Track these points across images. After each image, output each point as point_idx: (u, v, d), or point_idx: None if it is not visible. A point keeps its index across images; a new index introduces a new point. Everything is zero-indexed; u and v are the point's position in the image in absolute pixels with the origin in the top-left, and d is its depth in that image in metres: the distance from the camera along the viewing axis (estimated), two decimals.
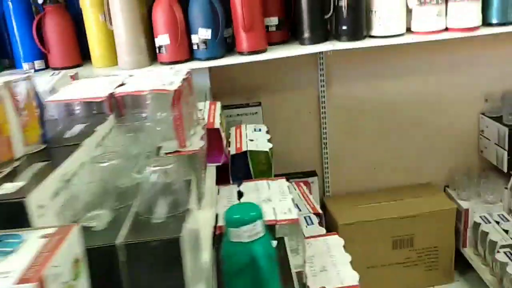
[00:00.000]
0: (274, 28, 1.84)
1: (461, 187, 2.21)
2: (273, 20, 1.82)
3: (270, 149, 1.52)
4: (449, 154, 2.31)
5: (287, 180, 1.39)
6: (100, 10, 1.70)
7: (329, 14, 1.74)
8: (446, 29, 1.73)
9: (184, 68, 1.35)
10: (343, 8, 1.71)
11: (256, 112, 2.15)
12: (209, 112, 1.52)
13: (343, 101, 2.23)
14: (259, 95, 2.22)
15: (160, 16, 1.66)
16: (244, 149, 1.50)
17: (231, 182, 1.39)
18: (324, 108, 2.22)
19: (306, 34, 1.77)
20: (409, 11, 1.74)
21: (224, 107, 2.18)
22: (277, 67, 2.09)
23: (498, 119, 2.12)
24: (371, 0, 1.73)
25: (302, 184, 1.76)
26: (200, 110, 1.55)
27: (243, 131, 1.68)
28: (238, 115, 2.15)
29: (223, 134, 1.41)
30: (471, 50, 2.13)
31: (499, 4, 1.70)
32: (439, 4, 1.68)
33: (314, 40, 1.77)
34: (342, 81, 2.21)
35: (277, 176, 2.17)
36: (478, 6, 1.69)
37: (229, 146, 1.54)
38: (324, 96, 2.20)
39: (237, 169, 1.42)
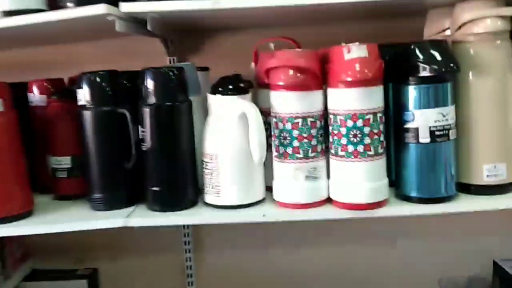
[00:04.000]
0: (65, 174, 1.13)
1: None
2: (63, 161, 1.12)
3: None
4: None
5: None
6: None
7: (131, 163, 1.01)
8: (329, 199, 0.97)
9: None
10: (152, 155, 0.98)
11: None
12: None
13: (222, 276, 1.46)
14: (96, 257, 1.48)
15: None
16: None
17: None
18: (192, 284, 1.45)
19: (97, 193, 1.04)
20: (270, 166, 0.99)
21: (37, 274, 1.46)
22: None
23: None
24: (203, 144, 1.00)
25: None
26: None
27: None
28: None
29: None
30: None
31: (417, 169, 0.92)
32: (313, 159, 0.93)
33: (107, 205, 1.03)
34: (221, 246, 1.45)
35: None
36: (382, 165, 0.92)
37: None
38: (191, 267, 1.44)
39: None
